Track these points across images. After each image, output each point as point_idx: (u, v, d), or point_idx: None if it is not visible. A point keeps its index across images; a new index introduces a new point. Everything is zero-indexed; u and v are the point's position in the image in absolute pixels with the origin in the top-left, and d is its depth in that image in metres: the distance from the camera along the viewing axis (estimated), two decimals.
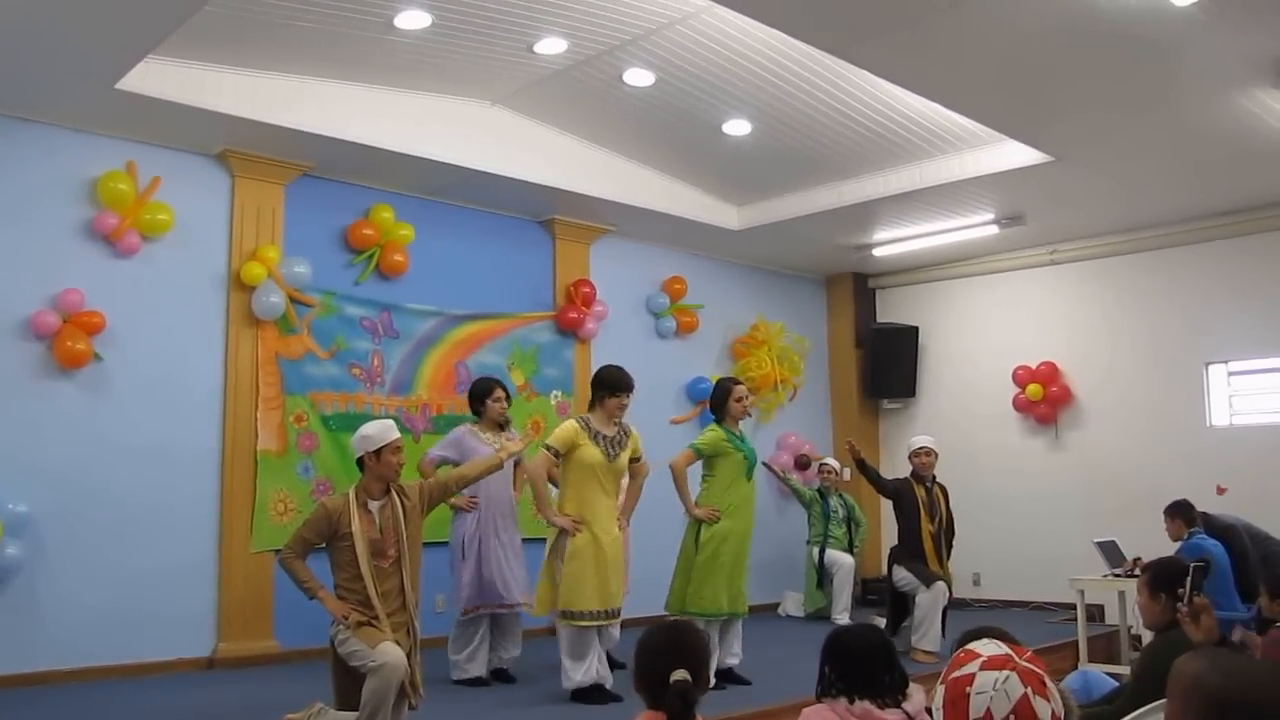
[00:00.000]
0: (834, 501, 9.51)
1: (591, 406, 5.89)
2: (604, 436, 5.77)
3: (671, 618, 5.79)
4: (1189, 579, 3.71)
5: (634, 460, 5.93)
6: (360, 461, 4.83)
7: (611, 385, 5.81)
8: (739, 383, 6.40)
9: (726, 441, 6.17)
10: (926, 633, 7.03)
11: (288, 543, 4.86)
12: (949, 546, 7.52)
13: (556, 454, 5.73)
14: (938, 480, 7.53)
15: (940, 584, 7.14)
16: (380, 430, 4.83)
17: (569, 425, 5.81)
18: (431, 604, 7.09)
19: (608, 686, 5.72)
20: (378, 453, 4.77)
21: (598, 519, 5.68)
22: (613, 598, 5.70)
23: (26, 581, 6.08)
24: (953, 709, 2.09)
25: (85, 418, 6.38)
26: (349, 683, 4.63)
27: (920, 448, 7.51)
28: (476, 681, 6.16)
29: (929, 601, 7.09)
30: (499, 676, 6.33)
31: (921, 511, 7.34)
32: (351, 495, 4.78)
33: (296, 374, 7.20)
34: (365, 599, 4.67)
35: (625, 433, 5.88)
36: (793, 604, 9.62)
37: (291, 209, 7.28)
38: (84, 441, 6.36)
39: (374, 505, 4.77)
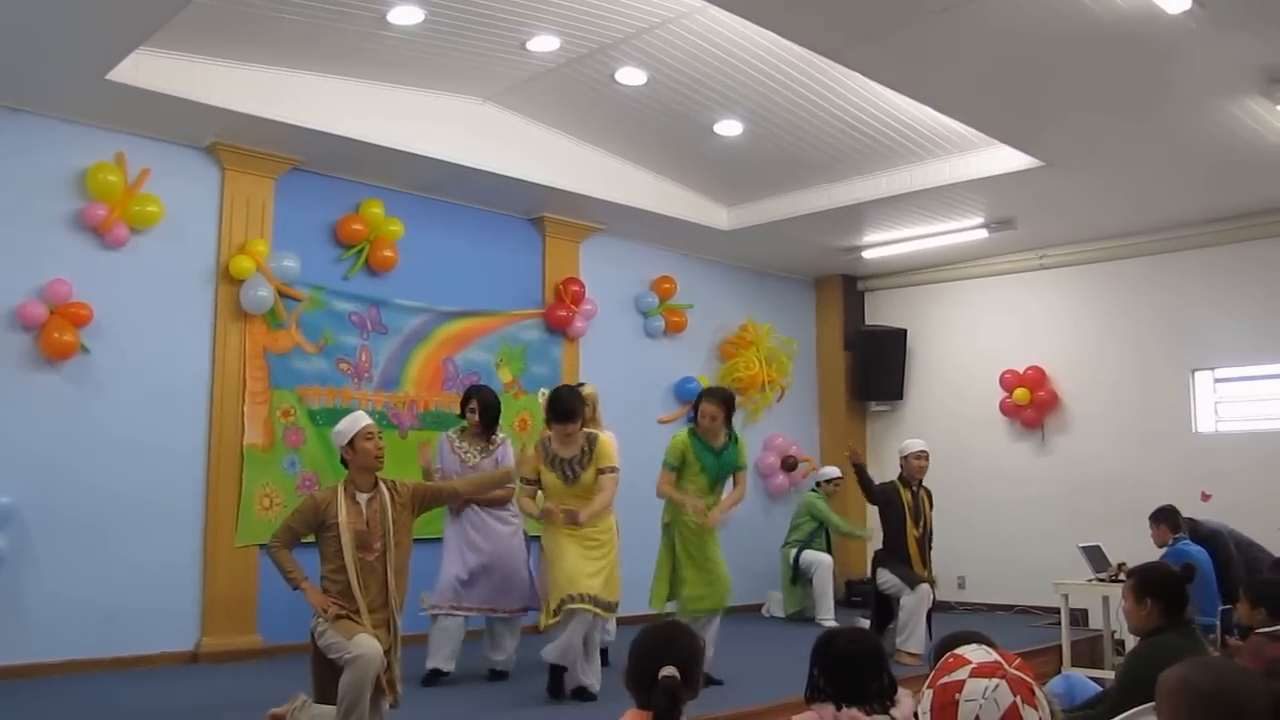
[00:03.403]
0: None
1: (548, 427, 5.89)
2: (561, 460, 5.76)
3: (666, 618, 5.84)
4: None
5: (604, 471, 5.78)
6: (344, 459, 4.85)
7: (553, 414, 5.75)
8: (711, 401, 6.21)
9: (689, 450, 6.13)
10: (911, 634, 7.05)
11: (275, 532, 4.86)
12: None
13: (528, 482, 5.80)
14: (924, 484, 7.54)
15: (924, 586, 7.16)
16: (348, 423, 4.85)
17: (529, 453, 5.84)
18: (417, 601, 7.07)
19: (584, 682, 5.68)
20: (351, 443, 4.78)
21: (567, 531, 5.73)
22: (589, 585, 5.64)
23: (10, 573, 6.05)
24: (941, 714, 2.10)
25: (71, 410, 6.36)
26: (328, 676, 4.63)
27: (916, 451, 7.48)
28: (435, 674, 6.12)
29: (914, 604, 7.11)
30: (492, 677, 6.30)
31: (907, 515, 7.35)
32: (340, 487, 4.79)
33: (284, 368, 7.18)
34: (348, 591, 4.66)
35: (588, 449, 5.78)
36: (777, 604, 9.63)
37: (281, 203, 7.26)
38: (69, 433, 6.33)
39: (362, 497, 4.77)
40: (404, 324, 7.83)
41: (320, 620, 4.64)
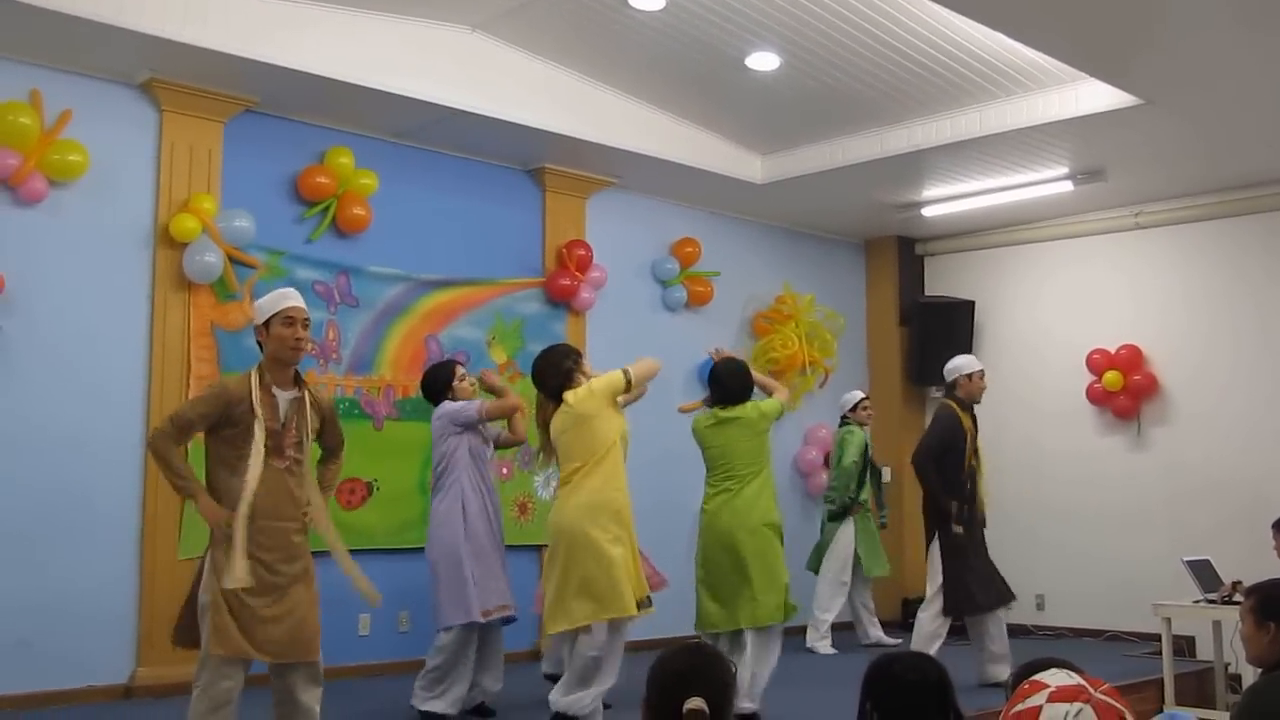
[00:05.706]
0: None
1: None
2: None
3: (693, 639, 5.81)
4: None
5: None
6: (259, 342, 4.75)
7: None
8: None
9: None
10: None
11: (162, 424, 4.64)
12: None
13: None
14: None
15: None
16: (271, 300, 4.71)
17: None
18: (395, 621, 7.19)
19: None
20: (267, 325, 4.64)
21: None
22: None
23: None
24: None
25: None
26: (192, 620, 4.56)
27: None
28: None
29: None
30: (479, 713, 6.24)
31: None
32: (253, 374, 4.62)
33: (236, 348, 7.13)
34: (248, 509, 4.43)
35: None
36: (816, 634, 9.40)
37: (231, 151, 7.24)
38: None
39: (281, 394, 4.64)
40: (378, 295, 7.82)
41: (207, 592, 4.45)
